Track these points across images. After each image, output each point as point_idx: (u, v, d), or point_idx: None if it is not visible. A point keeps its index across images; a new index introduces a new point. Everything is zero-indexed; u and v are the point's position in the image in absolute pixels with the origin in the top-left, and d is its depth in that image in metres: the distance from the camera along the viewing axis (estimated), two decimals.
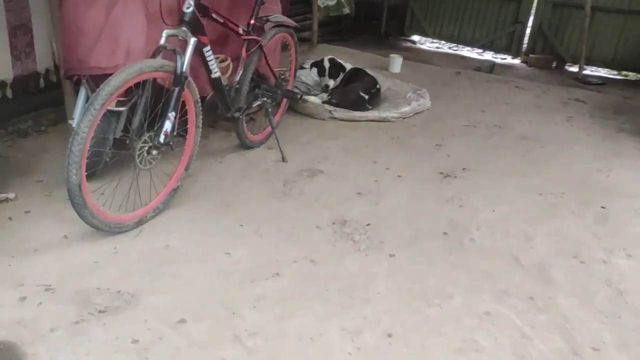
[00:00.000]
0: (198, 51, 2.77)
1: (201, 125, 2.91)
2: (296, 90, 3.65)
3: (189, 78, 2.67)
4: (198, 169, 3.37)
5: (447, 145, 4.14)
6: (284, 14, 6.39)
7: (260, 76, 3.65)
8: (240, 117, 3.35)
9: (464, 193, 3.39)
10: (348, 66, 4.82)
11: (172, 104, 2.55)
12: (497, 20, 7.66)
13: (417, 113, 4.69)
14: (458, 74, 6.19)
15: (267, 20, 3.36)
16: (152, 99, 2.62)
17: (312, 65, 4.74)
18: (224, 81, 3.11)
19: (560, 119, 4.90)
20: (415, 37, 8.46)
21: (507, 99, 5.40)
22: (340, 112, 4.40)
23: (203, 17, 2.72)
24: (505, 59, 7.80)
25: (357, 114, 4.42)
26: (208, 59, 2.86)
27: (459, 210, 3.19)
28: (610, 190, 3.52)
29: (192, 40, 2.59)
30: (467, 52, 8.03)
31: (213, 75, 2.96)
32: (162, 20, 2.53)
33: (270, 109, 3.55)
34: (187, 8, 2.57)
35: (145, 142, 2.56)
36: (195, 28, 2.66)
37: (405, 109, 4.58)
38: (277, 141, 3.64)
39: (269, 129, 3.73)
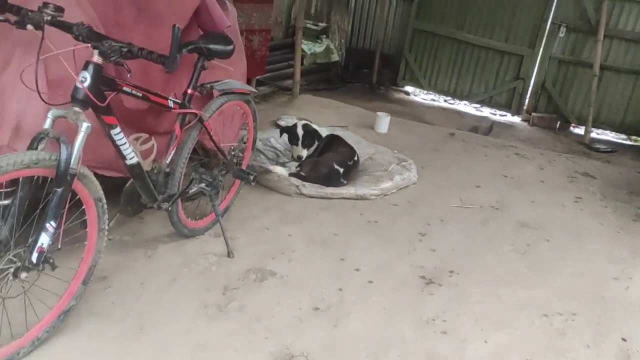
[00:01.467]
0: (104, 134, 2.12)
1: (106, 227, 2.23)
2: (249, 171, 2.99)
3: (86, 171, 2.01)
4: (116, 266, 2.69)
5: (432, 235, 3.47)
6: (259, 66, 5.95)
7: (207, 152, 3.00)
8: (170, 208, 2.68)
9: (450, 310, 2.70)
10: (324, 132, 4.18)
11: (51, 210, 1.88)
12: (497, 75, 7.10)
13: (400, 189, 4.03)
14: (452, 136, 5.57)
15: (212, 88, 2.72)
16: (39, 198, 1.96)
17: (283, 130, 4.10)
18: (147, 166, 2.45)
19: (568, 199, 4.24)
20: (409, 88, 7.90)
21: (506, 170, 4.76)
22: (309, 188, 3.73)
23: (109, 91, 2.08)
24: (504, 115, 7.22)
25: (330, 190, 3.76)
26: (119, 143, 2.20)
27: (442, 340, 2.49)
28: (631, 310, 2.84)
29: (85, 126, 1.94)
30: (464, 106, 7.45)
31: (129, 162, 2.31)
32: (39, 96, 1.88)
33: (213, 194, 2.88)
34: (82, 81, 1.93)
35: (10, 261, 1.88)
36: (95, 108, 2.01)
37: (387, 184, 3.92)
38: (223, 232, 2.96)
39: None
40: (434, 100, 7.69)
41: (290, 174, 3.80)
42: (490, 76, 7.14)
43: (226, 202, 3.24)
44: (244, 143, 3.33)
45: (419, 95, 7.81)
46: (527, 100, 7.06)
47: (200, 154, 2.99)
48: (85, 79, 1.93)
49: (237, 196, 3.39)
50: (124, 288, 2.58)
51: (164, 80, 2.68)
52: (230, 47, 2.67)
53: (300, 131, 4.01)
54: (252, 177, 2.99)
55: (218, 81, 2.82)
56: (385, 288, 2.84)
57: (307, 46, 7.29)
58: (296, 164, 3.97)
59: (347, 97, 7.08)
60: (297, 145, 4.02)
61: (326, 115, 5.72)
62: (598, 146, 6.11)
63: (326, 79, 7.66)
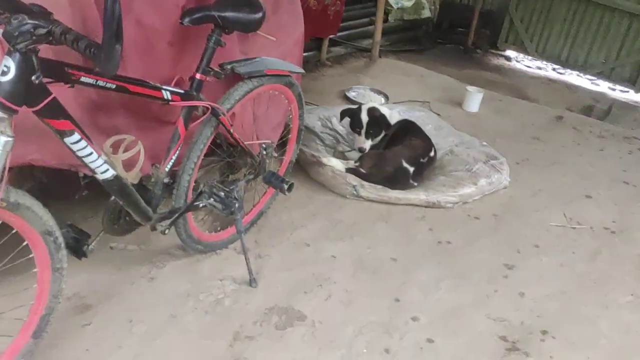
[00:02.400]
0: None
1: (64, 266, 1.65)
2: (284, 178, 2.29)
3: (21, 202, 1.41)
4: (107, 291, 2.15)
5: (522, 268, 2.65)
6: (332, 23, 5.08)
7: (234, 148, 2.33)
8: (169, 227, 2.06)
9: None
10: (394, 117, 3.37)
11: None
12: (622, 42, 5.84)
13: (486, 194, 3.19)
14: (559, 120, 4.55)
15: (233, 70, 2.01)
16: None
17: (345, 114, 3.33)
18: (133, 178, 1.82)
19: None
20: (511, 53, 6.76)
21: (628, 173, 3.74)
22: (369, 189, 2.99)
23: (55, 82, 1.43)
24: (627, 92, 5.98)
25: (394, 194, 3.00)
26: (81, 154, 1.57)
27: None
28: None
29: (2, 141, 1.31)
30: (576, 78, 6.26)
31: (100, 177, 1.68)
32: None
33: (226, 213, 2.21)
34: (3, 73, 1.29)
35: None
36: (33, 109, 1.38)
37: (469, 190, 3.09)
38: (245, 254, 2.31)
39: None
40: (539, 68, 6.53)
41: (348, 170, 3.07)
42: (613, 44, 5.88)
43: (256, 210, 2.59)
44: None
45: (522, 62, 6.66)
46: None
47: (223, 151, 2.32)
48: (9, 69, 1.29)
49: (274, 200, 2.72)
50: (107, 326, 2.02)
51: (172, 58, 2.01)
52: (258, 15, 1.94)
53: (364, 117, 3.22)
54: (286, 186, 2.29)
55: (246, 60, 2.10)
56: (449, 353, 2.10)
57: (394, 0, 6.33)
58: (358, 155, 3.22)
59: (436, 61, 6.13)
60: (359, 134, 3.25)
61: (407, 86, 4.87)
62: None
63: (414, 39, 6.68)
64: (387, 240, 2.73)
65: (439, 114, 4.29)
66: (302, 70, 2.37)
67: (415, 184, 3.10)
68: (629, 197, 3.42)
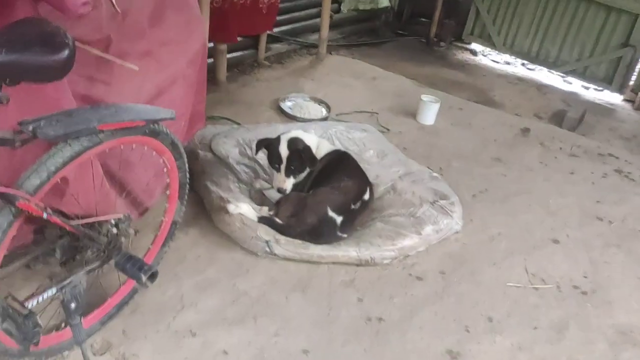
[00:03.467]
0: None
1: None
2: (145, 265, 1.67)
3: None
4: None
5: (470, 357, 2.08)
6: (265, 18, 4.26)
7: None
8: None
9: None
10: (323, 149, 2.74)
11: None
12: (597, 38, 5.29)
13: (433, 244, 2.62)
14: (525, 134, 3.99)
15: (34, 134, 1.35)
16: None
17: (260, 145, 2.69)
18: None
19: None
20: (477, 47, 6.17)
21: (602, 203, 3.21)
22: (285, 245, 2.39)
23: None
24: (601, 91, 5.45)
25: (317, 251, 2.40)
26: None
27: None
28: None
29: None
30: (547, 75, 5.70)
31: None
32: None
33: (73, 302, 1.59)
34: None
35: None
36: None
37: (411, 241, 2.51)
38: None
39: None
40: (508, 63, 5.95)
41: (261, 220, 2.45)
42: (588, 39, 5.32)
43: (113, 302, 1.95)
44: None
45: (488, 56, 6.07)
46: (634, 76, 5.25)
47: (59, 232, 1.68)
48: None
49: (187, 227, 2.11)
50: None
51: None
52: (58, 56, 1.28)
53: (284, 150, 2.59)
54: (145, 277, 1.67)
55: (66, 114, 1.45)
56: None
57: None
58: (279, 195, 2.61)
59: (394, 56, 5.51)
60: (278, 170, 2.62)
61: (355, 91, 4.25)
62: None
63: (371, 30, 6.04)
64: (301, 321, 2.14)
65: (387, 129, 3.70)
66: (171, 116, 1.71)
67: (345, 235, 2.50)
68: (603, 240, 2.88)
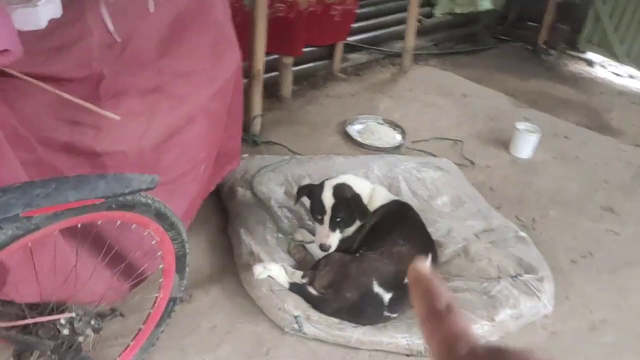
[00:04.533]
0: None
1: None
2: None
3: None
4: None
5: None
6: (339, 27, 3.72)
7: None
8: None
9: None
10: (379, 198, 2.23)
11: None
12: None
13: (508, 332, 2.04)
14: None
15: None
16: None
17: (301, 192, 2.23)
18: None
19: None
20: (594, 56, 5.28)
21: None
22: (318, 324, 1.93)
23: None
24: None
25: (357, 334, 1.92)
26: None
27: None
28: None
29: None
30: None
31: None
32: None
33: None
34: None
35: None
36: None
37: (480, 329, 1.96)
38: None
39: None
40: (631, 77, 5.03)
41: (292, 287, 2.02)
42: None
43: None
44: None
45: (607, 68, 5.18)
46: None
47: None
48: None
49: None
50: None
51: None
52: None
53: (328, 197, 2.13)
54: None
55: None
56: None
57: None
58: (307, 273, 2.13)
59: (493, 66, 4.82)
60: (321, 222, 2.16)
61: (439, 112, 3.69)
62: None
63: (468, 36, 5.37)
64: None
65: (471, 162, 3.12)
66: (148, 185, 1.31)
67: (394, 315, 2.00)
68: None
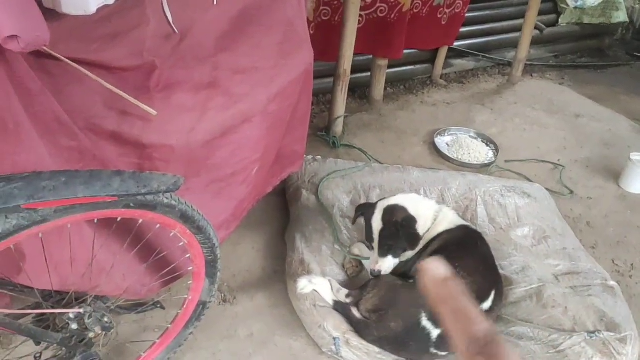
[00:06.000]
0: None
1: None
2: None
3: None
4: None
5: None
6: (445, 31, 3.51)
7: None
8: None
9: None
10: (444, 221, 2.03)
11: None
12: None
13: None
14: None
15: None
16: None
17: (359, 210, 2.09)
18: None
19: None
20: None
21: None
22: (357, 350, 1.79)
23: None
24: None
25: None
26: None
27: None
28: None
29: None
30: None
31: None
32: None
33: None
34: None
35: None
36: None
37: None
38: None
39: None
40: None
41: (336, 305, 1.89)
42: None
43: None
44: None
45: None
46: None
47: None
48: None
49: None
50: None
51: None
52: None
53: (377, 221, 1.96)
54: None
55: None
56: None
57: None
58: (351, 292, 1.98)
59: (620, 85, 4.31)
60: (371, 248, 2.01)
61: (544, 131, 3.36)
62: None
63: (596, 50, 4.86)
64: None
65: (570, 191, 2.79)
66: (168, 188, 1.24)
67: (442, 353, 1.80)
68: None
